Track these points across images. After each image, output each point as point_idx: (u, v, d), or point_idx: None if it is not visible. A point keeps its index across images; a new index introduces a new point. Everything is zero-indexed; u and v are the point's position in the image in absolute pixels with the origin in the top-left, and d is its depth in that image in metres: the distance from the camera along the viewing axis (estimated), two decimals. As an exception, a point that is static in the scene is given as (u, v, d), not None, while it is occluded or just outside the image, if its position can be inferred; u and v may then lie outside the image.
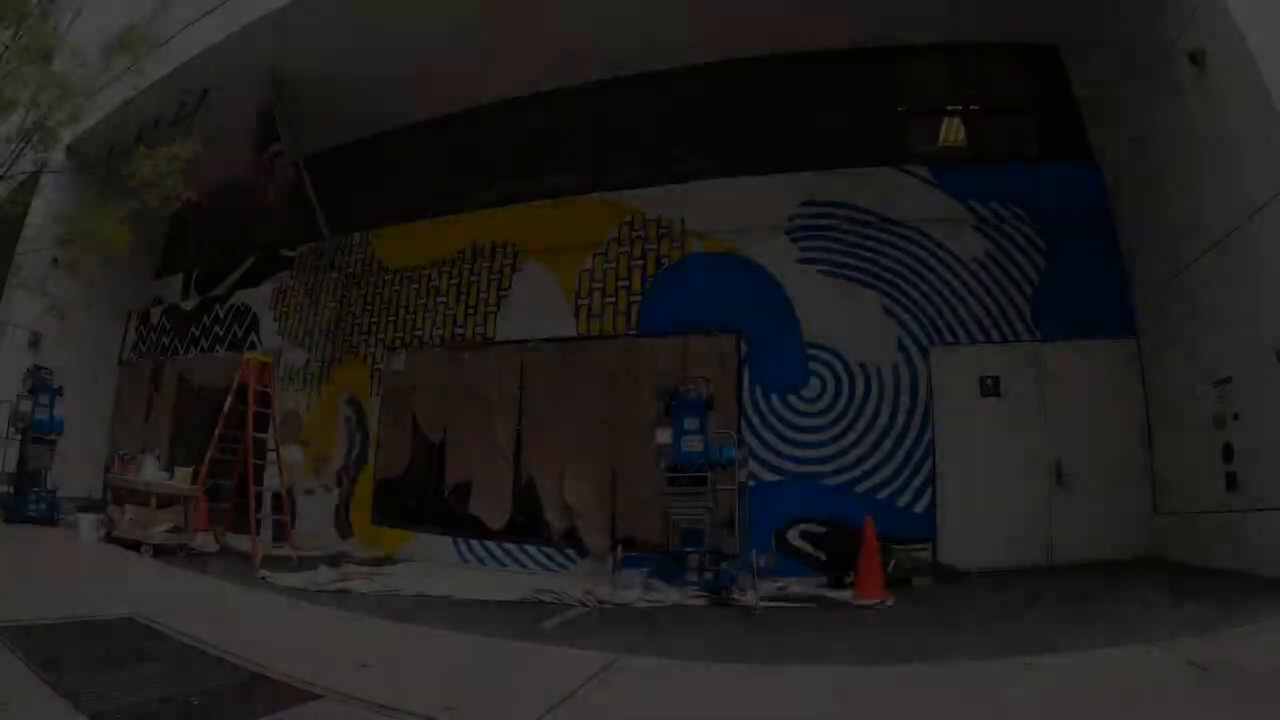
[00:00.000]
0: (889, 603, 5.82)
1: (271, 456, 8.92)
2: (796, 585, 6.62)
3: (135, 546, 7.54)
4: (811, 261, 8.27)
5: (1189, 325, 6.64)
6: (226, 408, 8.59)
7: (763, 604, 5.76)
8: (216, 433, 8.52)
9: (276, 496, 8.97)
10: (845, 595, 6.17)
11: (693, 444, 6.57)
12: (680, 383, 6.92)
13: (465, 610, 5.83)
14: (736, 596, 6.08)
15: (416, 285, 10.31)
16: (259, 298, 11.73)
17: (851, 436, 7.75)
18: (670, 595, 6.31)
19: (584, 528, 8.43)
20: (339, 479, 10.15)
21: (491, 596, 6.36)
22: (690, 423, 6.61)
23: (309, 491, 9.98)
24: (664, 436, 6.72)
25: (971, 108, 8.94)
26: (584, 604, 6.06)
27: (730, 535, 6.72)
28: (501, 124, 10.65)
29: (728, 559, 6.50)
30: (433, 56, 9.62)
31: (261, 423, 8.72)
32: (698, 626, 5.44)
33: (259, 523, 8.31)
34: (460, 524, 9.38)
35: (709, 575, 6.38)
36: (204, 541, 8.45)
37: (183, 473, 8.57)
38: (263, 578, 6.79)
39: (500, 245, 9.79)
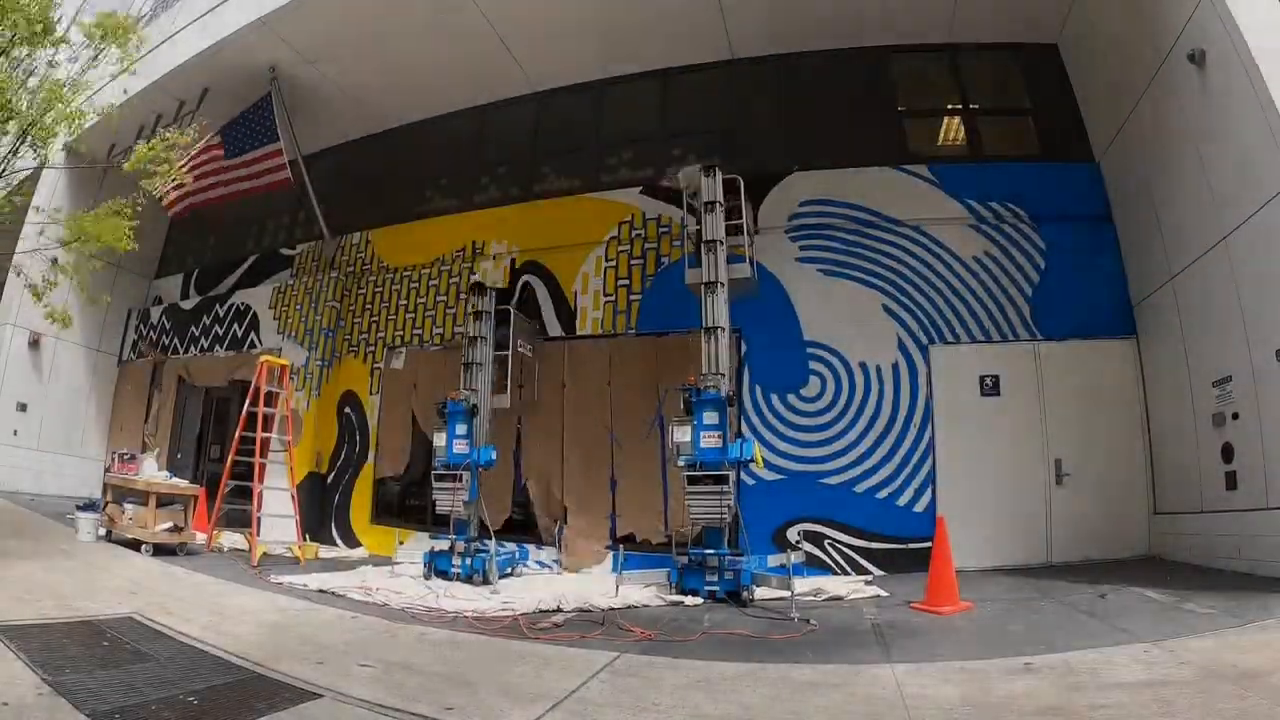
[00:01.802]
0: (970, 613, 5.30)
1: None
2: (826, 586, 6.47)
3: (135, 546, 7.54)
4: (811, 261, 8.26)
5: (1189, 325, 6.64)
6: (245, 410, 8.57)
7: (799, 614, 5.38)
8: (237, 434, 8.51)
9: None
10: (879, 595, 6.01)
11: (710, 440, 6.37)
12: (699, 379, 6.72)
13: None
14: (751, 598, 6.04)
15: (416, 285, 10.31)
16: (259, 298, 11.73)
17: (851, 436, 7.75)
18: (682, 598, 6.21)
19: (577, 528, 8.44)
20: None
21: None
22: (709, 419, 6.41)
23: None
24: (682, 434, 6.51)
25: (971, 108, 8.94)
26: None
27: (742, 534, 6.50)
28: (501, 124, 10.66)
29: (741, 559, 6.37)
30: (433, 56, 9.63)
31: (268, 423, 8.72)
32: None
33: (259, 521, 8.29)
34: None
35: (729, 576, 6.21)
36: (204, 540, 8.44)
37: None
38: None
39: (499, 245, 9.79)
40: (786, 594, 5.75)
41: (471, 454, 7.47)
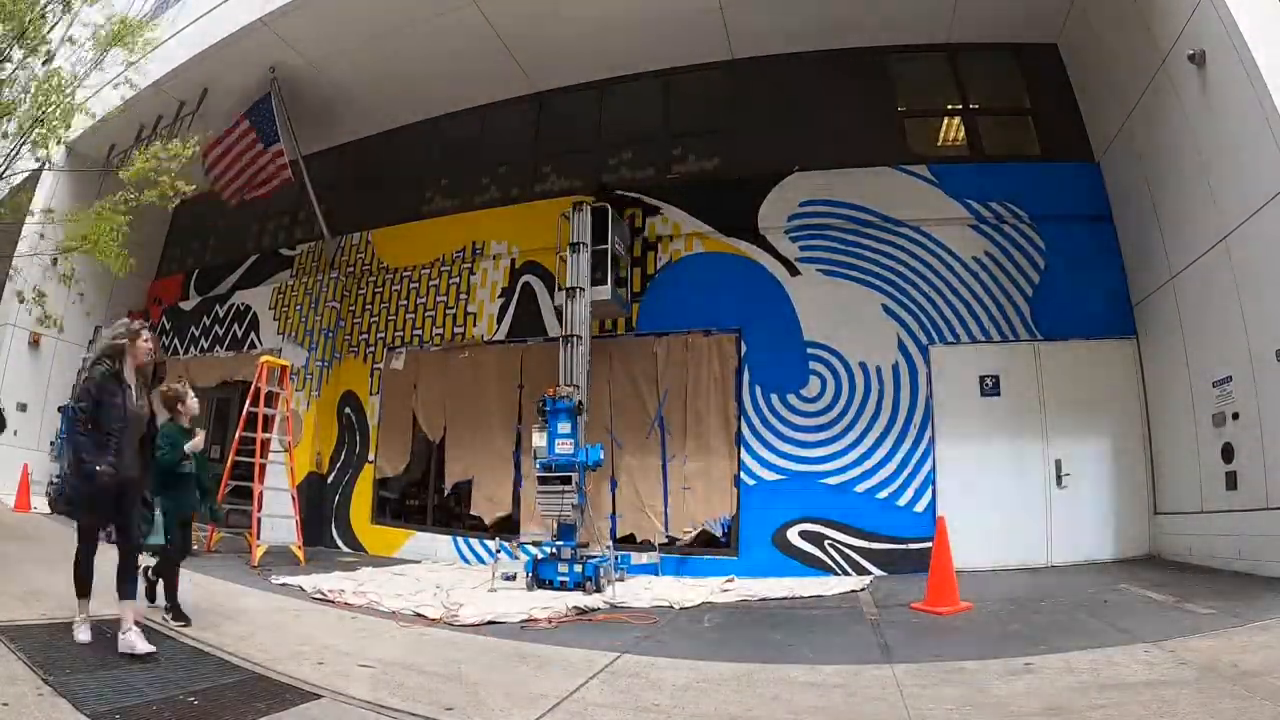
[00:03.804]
0: (970, 613, 5.19)
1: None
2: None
3: (135, 546, 7.53)
4: (811, 261, 8.27)
5: (1189, 325, 6.64)
6: (245, 410, 8.56)
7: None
8: (237, 434, 8.50)
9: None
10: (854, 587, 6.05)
11: (564, 446, 7.08)
12: (554, 390, 7.29)
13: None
14: (596, 588, 6.54)
15: (416, 285, 10.31)
16: (259, 298, 11.73)
17: (851, 436, 7.75)
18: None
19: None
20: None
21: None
22: (562, 427, 7.10)
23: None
24: (538, 439, 7.23)
25: (971, 108, 8.94)
26: None
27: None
28: (501, 124, 10.66)
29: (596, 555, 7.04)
30: (433, 56, 9.62)
31: (268, 424, 8.73)
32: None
33: (259, 521, 8.29)
34: (461, 522, 9.41)
35: (577, 569, 6.73)
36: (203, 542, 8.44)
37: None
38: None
39: (499, 245, 9.80)
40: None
41: (579, 454, 7.08)
